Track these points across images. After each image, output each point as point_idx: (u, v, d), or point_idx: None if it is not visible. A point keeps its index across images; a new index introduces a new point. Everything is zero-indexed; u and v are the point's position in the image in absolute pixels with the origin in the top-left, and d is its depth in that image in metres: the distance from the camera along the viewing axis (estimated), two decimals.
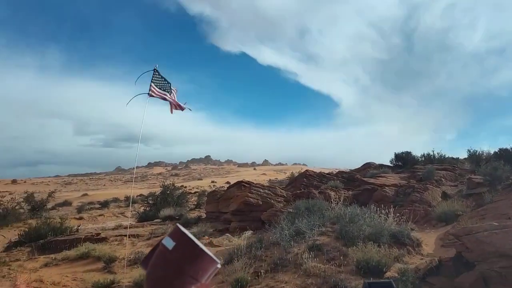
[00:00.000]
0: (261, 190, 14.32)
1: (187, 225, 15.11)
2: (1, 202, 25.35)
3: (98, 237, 12.85)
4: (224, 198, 16.28)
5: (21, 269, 9.62)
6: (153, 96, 7.93)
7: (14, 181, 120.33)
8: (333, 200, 11.12)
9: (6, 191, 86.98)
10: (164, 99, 8.23)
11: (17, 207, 25.82)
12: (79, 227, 17.92)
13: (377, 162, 21.97)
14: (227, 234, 12.47)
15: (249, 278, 7.32)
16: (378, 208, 10.04)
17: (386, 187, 13.16)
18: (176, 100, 8.54)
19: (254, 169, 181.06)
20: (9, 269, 9.28)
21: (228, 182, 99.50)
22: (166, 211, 17.02)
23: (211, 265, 0.97)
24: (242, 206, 13.88)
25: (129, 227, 15.49)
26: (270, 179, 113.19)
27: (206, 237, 12.54)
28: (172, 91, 8.41)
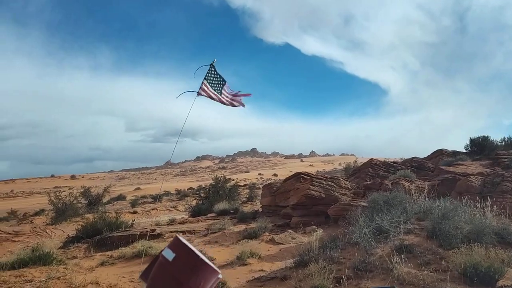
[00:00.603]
0: (324, 182, 13.06)
1: (244, 220, 14.22)
2: (60, 197, 26.01)
3: (153, 233, 12.25)
4: (281, 191, 15.19)
5: (77, 268, 9.14)
6: (202, 94, 7.35)
7: (73, 177, 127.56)
8: (414, 192, 9.66)
9: (66, 186, 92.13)
10: (212, 98, 7.56)
11: (75, 202, 26.44)
12: (134, 222, 17.69)
13: (430, 150, 19.90)
14: (290, 231, 11.38)
15: (330, 286, 6.16)
16: (472, 201, 8.50)
17: (471, 176, 11.41)
18: (228, 97, 7.73)
19: (301, 160, 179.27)
20: (65, 268, 8.81)
21: (275, 174, 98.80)
22: (221, 205, 16.24)
23: (213, 276, 0.97)
24: (304, 199, 12.71)
25: (184, 222, 14.86)
26: (317, 171, 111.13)
27: (267, 233, 11.51)
28: (224, 90, 7.67)
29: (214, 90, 7.50)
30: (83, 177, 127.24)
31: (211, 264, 0.98)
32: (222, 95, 7.58)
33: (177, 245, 0.98)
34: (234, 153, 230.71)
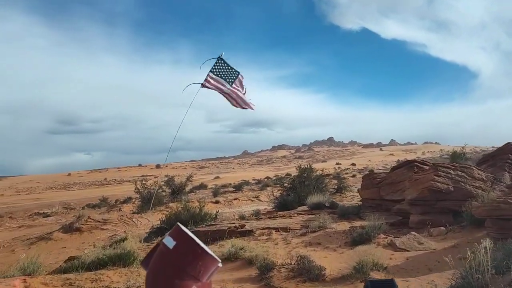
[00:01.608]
0: (452, 172, 10.30)
1: (345, 216, 12.00)
2: (146, 186, 26.05)
3: (242, 229, 10.63)
4: (388, 183, 12.70)
5: None
6: (207, 87, 7.40)
7: (157, 166, 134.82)
8: None
9: (152, 175, 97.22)
10: (221, 90, 7.53)
11: (159, 191, 26.33)
12: (218, 213, 16.52)
13: None
14: (413, 233, 8.93)
15: None
16: None
17: None
18: (241, 94, 7.77)
19: (381, 149, 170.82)
20: None
21: (353, 164, 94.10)
22: (314, 198, 14.17)
23: (213, 264, 0.97)
24: (426, 193, 10.11)
25: (274, 217, 13.10)
26: (398, 160, 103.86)
27: (382, 235, 9.18)
28: (236, 83, 7.72)
29: (226, 80, 7.50)
30: (167, 166, 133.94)
31: (211, 252, 0.96)
32: (234, 87, 7.58)
33: (178, 233, 0.97)
34: (311, 142, 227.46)
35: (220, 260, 0.99)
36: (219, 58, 7.57)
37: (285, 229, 10.69)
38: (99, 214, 23.94)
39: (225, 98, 7.75)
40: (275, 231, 10.59)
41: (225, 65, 7.48)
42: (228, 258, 8.13)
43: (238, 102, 7.81)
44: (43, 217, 31.68)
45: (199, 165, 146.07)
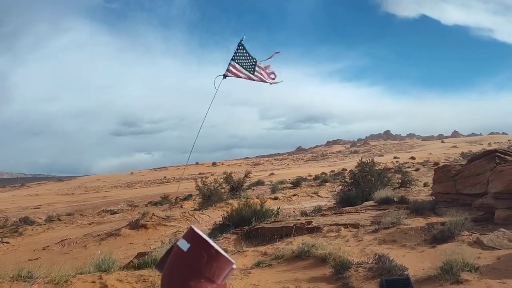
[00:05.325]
0: None
1: (419, 211, 11.20)
2: (206, 183, 26.56)
3: (309, 225, 10.29)
4: (465, 175, 11.72)
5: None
6: (228, 75, 6.74)
7: (214, 164, 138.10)
8: None
9: (209, 172, 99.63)
10: (240, 77, 6.91)
11: (218, 188, 26.75)
12: (279, 209, 16.31)
13: None
14: (502, 230, 8.07)
15: None
16: None
17: None
18: (261, 73, 6.95)
19: (442, 141, 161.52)
20: None
21: (412, 158, 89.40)
22: (382, 193, 13.44)
23: (227, 266, 0.97)
24: None
25: (340, 213, 12.60)
26: (462, 152, 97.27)
27: (466, 232, 8.38)
28: (257, 69, 6.92)
29: (245, 69, 6.84)
30: (222, 164, 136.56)
31: (226, 254, 0.97)
32: (256, 74, 6.89)
33: (191, 236, 0.98)
34: (366, 137, 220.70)
35: (234, 262, 0.98)
36: (239, 44, 6.81)
37: (355, 226, 10.18)
38: (162, 211, 24.75)
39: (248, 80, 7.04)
40: (344, 228, 10.13)
41: (244, 51, 6.80)
42: (298, 256, 7.83)
43: (261, 78, 6.96)
44: (110, 214, 33.48)
45: (253, 162, 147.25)
